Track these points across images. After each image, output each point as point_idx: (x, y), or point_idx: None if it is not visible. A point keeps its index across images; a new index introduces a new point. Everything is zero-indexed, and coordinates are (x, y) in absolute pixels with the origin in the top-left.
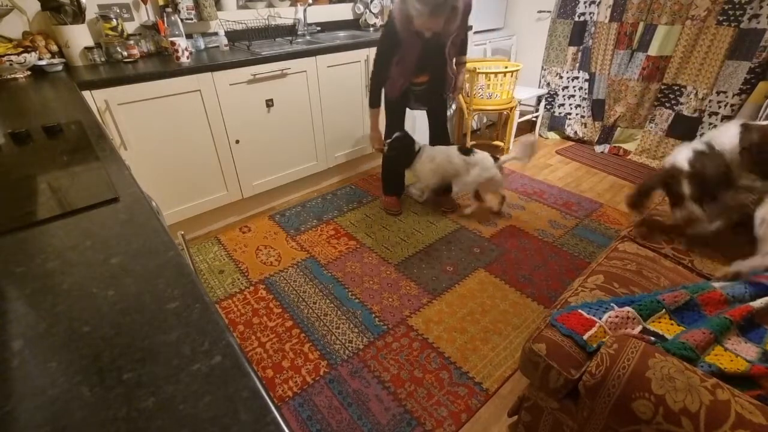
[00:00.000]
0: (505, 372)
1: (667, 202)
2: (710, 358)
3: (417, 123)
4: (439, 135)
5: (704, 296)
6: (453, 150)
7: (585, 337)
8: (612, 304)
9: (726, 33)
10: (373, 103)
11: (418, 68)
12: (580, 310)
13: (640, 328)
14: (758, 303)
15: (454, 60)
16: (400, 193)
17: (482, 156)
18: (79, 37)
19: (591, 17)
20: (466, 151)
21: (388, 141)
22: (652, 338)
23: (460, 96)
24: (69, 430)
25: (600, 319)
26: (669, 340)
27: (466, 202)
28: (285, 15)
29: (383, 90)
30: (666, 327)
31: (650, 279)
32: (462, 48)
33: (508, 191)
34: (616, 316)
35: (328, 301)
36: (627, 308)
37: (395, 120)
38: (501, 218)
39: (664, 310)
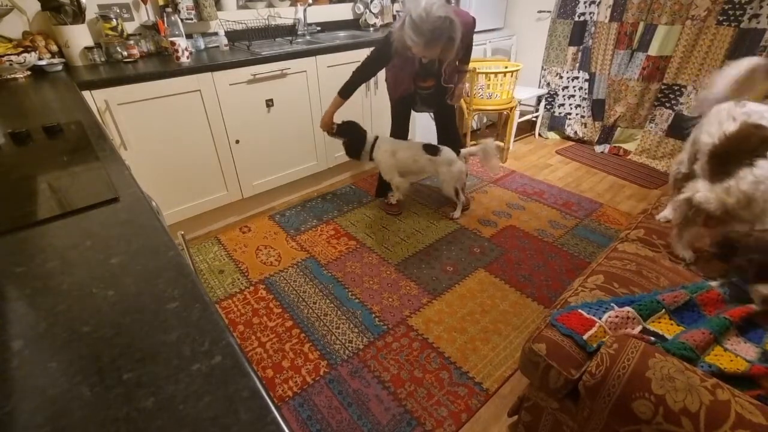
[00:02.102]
0: (505, 372)
1: None
2: (710, 358)
3: (417, 123)
4: (446, 138)
5: (703, 296)
6: (418, 149)
7: (585, 337)
8: (612, 304)
9: (726, 33)
10: (343, 94)
11: (423, 75)
12: (580, 310)
13: (640, 328)
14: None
15: (448, 72)
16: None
17: (447, 151)
18: (79, 37)
19: (591, 17)
20: (432, 150)
21: (336, 126)
22: (652, 338)
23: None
24: (69, 430)
25: (600, 319)
26: (669, 340)
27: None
28: (285, 15)
29: (387, 89)
30: (666, 327)
31: (650, 279)
32: (465, 57)
33: (508, 191)
34: (616, 316)
35: (328, 301)
36: (627, 308)
37: (400, 121)
38: (463, 211)
39: (663, 310)
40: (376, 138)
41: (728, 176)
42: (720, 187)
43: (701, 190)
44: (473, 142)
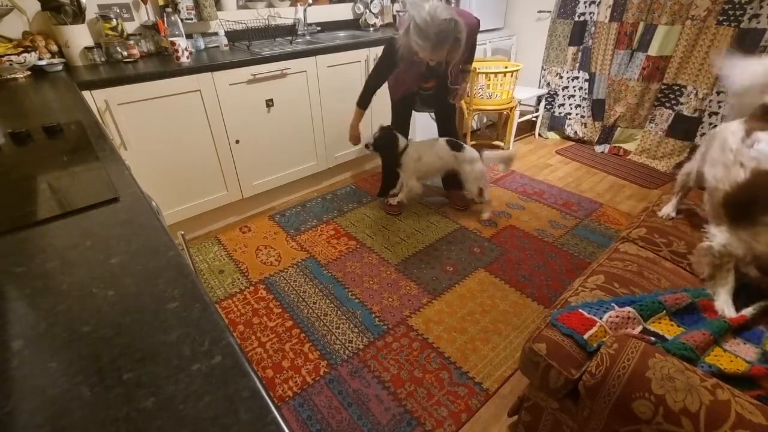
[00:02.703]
0: (505, 372)
1: None
2: (710, 358)
3: (417, 123)
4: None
5: (704, 302)
6: (441, 145)
7: (585, 336)
8: (613, 304)
9: (726, 33)
10: (361, 104)
11: (427, 76)
12: (580, 310)
13: (640, 328)
14: (749, 310)
15: (454, 74)
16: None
17: (469, 150)
18: (79, 37)
19: (591, 17)
20: (456, 146)
21: (373, 139)
22: (653, 338)
23: None
24: (69, 430)
25: (600, 318)
26: (669, 341)
27: (477, 206)
28: (285, 15)
29: (388, 89)
30: (666, 328)
31: (651, 280)
32: (468, 58)
33: (508, 191)
34: (617, 316)
35: (328, 301)
36: (628, 308)
37: (401, 120)
38: (492, 211)
39: (664, 311)
40: (406, 146)
41: (754, 223)
42: (746, 232)
43: (718, 236)
44: (473, 142)
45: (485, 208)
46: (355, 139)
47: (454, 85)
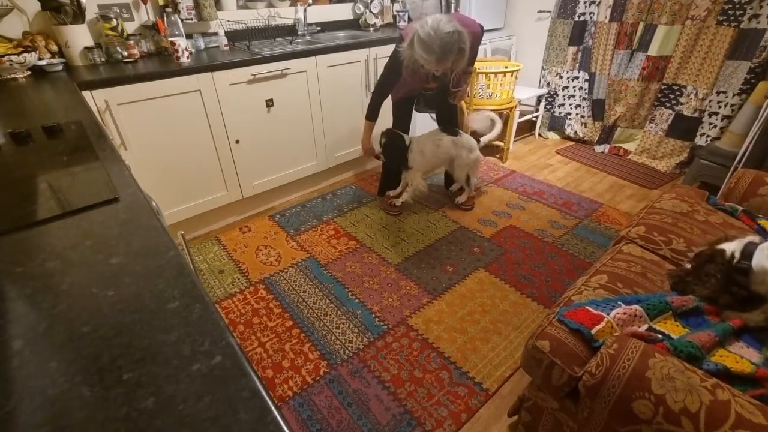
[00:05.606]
0: (505, 372)
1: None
2: (715, 358)
3: (417, 123)
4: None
5: (709, 306)
6: (437, 133)
7: (593, 331)
8: (619, 302)
9: (726, 33)
10: (370, 117)
11: (429, 79)
12: (587, 307)
13: (646, 326)
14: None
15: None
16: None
17: (468, 137)
18: (79, 37)
19: (591, 17)
20: (453, 132)
21: (381, 148)
22: (660, 336)
23: None
24: (69, 430)
25: (608, 315)
26: (676, 339)
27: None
28: (285, 15)
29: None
30: (672, 328)
31: (654, 282)
32: (470, 61)
33: (508, 191)
34: (624, 313)
35: (328, 301)
36: (635, 306)
37: (401, 120)
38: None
39: (671, 311)
40: (410, 143)
41: None
42: None
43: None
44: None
45: (465, 193)
46: (368, 151)
47: (456, 88)
